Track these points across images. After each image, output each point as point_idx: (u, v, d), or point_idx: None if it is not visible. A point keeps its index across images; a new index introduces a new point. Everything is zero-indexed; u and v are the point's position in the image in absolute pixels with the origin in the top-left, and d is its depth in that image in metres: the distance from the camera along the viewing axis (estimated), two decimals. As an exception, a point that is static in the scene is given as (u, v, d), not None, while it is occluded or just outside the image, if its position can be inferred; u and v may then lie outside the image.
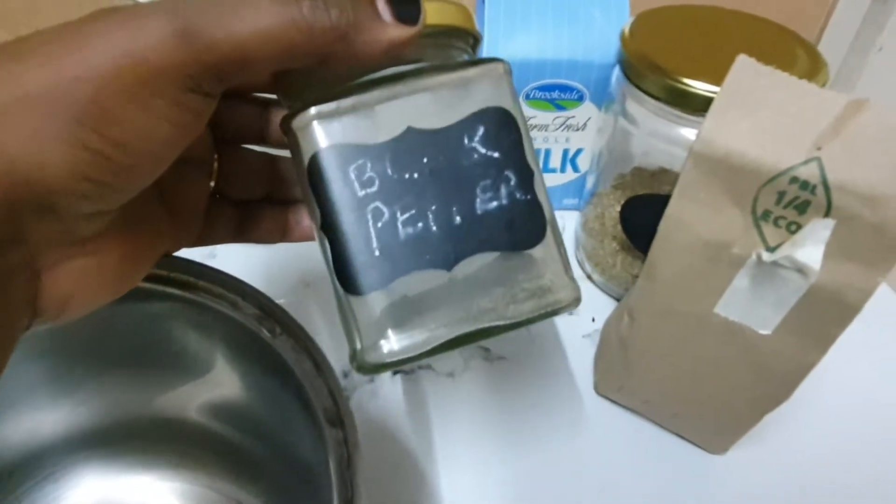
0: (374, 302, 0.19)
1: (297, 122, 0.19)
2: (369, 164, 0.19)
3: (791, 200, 0.25)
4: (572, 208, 0.52)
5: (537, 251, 0.21)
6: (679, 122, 0.35)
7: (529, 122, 0.45)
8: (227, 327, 0.26)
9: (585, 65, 0.42)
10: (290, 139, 0.20)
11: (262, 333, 0.25)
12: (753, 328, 0.29)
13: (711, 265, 0.28)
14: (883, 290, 0.46)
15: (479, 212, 0.20)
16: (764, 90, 0.26)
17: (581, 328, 0.43)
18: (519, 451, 0.37)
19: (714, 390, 0.33)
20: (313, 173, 0.19)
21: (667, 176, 0.40)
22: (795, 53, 0.35)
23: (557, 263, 0.21)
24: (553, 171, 0.49)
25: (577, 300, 0.21)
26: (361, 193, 0.19)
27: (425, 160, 0.19)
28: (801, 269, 0.25)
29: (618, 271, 0.43)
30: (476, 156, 0.20)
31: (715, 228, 0.27)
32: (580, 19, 0.42)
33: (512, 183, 0.20)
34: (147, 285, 0.27)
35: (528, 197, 0.20)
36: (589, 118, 0.45)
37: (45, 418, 0.31)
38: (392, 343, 0.19)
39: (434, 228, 0.19)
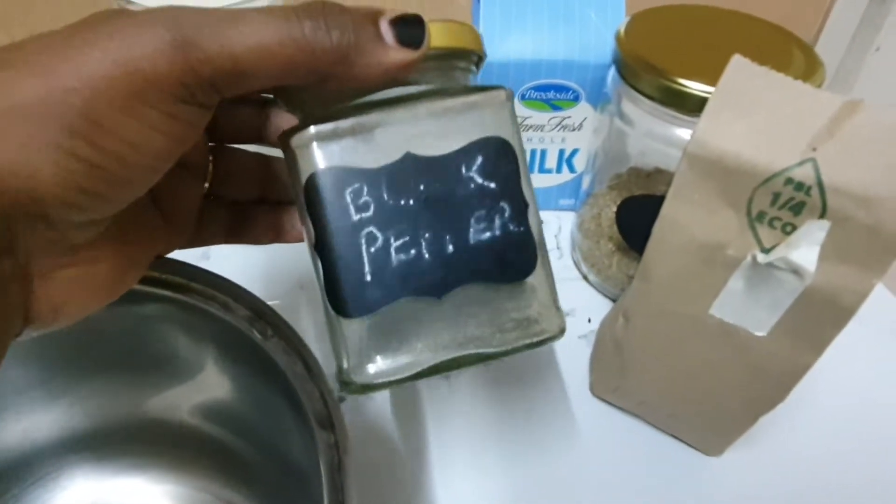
0: (363, 325, 0.19)
1: (295, 141, 0.19)
2: (366, 189, 0.19)
3: (786, 202, 0.25)
4: (568, 209, 0.51)
5: (526, 283, 0.21)
6: (675, 122, 0.35)
7: (525, 123, 0.45)
8: (219, 329, 0.26)
9: (581, 65, 0.42)
10: (287, 155, 0.20)
11: (253, 336, 0.25)
12: (748, 330, 0.28)
13: (706, 266, 0.28)
14: (878, 291, 0.46)
15: (471, 241, 0.20)
16: (759, 91, 0.26)
17: (577, 329, 0.43)
18: (514, 453, 0.37)
19: (709, 392, 0.33)
20: (310, 194, 0.19)
21: (663, 176, 0.40)
22: (792, 53, 0.35)
23: (545, 295, 0.21)
24: (549, 171, 0.49)
25: (561, 331, 0.21)
26: (356, 217, 0.19)
27: (422, 187, 0.19)
28: (796, 271, 0.25)
29: (614, 272, 0.43)
30: (472, 185, 0.20)
31: (710, 230, 0.27)
32: (576, 19, 0.42)
33: (506, 214, 0.20)
34: (139, 287, 0.26)
35: (521, 229, 0.20)
36: (585, 118, 0.45)
37: (37, 421, 0.31)
38: (378, 366, 0.19)
39: (426, 256, 0.19)
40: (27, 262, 0.16)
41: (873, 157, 0.24)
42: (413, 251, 0.19)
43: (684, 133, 0.35)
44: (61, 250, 0.17)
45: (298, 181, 0.19)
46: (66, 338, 0.28)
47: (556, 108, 0.44)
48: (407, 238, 0.19)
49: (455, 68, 0.21)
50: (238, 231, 0.25)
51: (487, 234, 0.20)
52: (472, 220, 0.20)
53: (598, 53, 0.42)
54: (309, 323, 0.41)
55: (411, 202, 0.19)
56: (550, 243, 0.49)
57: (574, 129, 0.46)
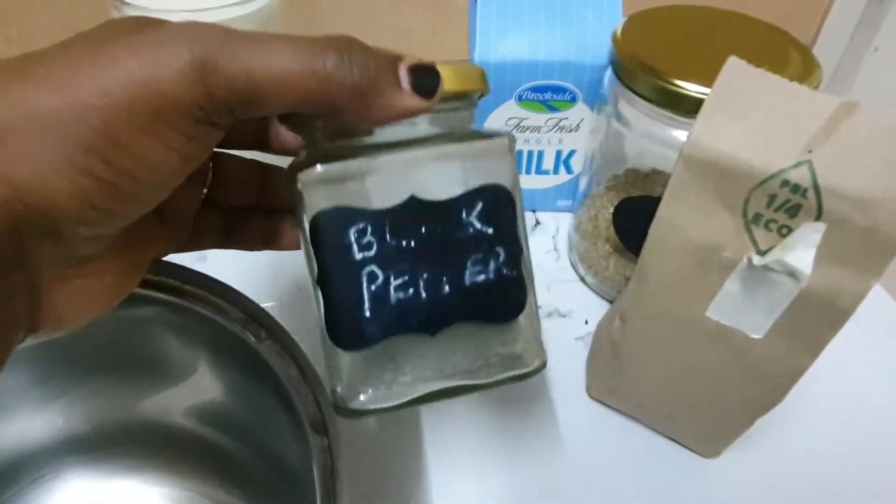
0: (357, 356, 0.20)
1: (303, 177, 0.19)
2: (370, 229, 0.19)
3: (782, 204, 0.25)
4: (565, 210, 0.51)
5: (514, 323, 0.22)
6: (671, 123, 0.35)
7: (522, 124, 0.45)
8: (213, 332, 0.26)
9: (578, 66, 0.42)
10: (293, 188, 0.20)
11: (247, 338, 0.25)
12: (745, 332, 0.28)
13: (702, 268, 0.28)
14: (875, 291, 0.45)
15: (467, 283, 0.21)
16: (755, 92, 0.25)
17: (574, 331, 0.43)
18: (511, 456, 0.36)
19: (706, 394, 0.33)
20: (315, 231, 0.19)
21: (660, 177, 0.40)
22: (789, 54, 0.35)
23: (531, 332, 0.22)
24: (546, 172, 0.49)
25: (543, 365, 0.23)
26: (359, 256, 0.19)
27: (423, 229, 0.20)
28: (792, 273, 0.25)
29: (611, 273, 0.43)
30: (471, 230, 0.21)
31: (706, 232, 0.27)
32: (572, 20, 0.42)
33: (501, 259, 0.21)
34: (135, 289, 0.26)
35: (514, 273, 0.21)
36: (582, 119, 0.45)
37: (32, 423, 0.31)
38: (369, 395, 0.20)
39: (423, 295, 0.20)
40: (36, 274, 0.16)
41: (869, 158, 0.23)
42: (411, 290, 0.20)
43: (681, 134, 0.35)
44: (69, 262, 0.17)
45: (302, 216, 0.20)
46: (60, 340, 0.28)
47: (552, 109, 0.44)
48: (406, 277, 0.20)
49: (460, 108, 0.22)
50: (233, 237, 0.25)
51: (482, 277, 0.21)
52: (469, 263, 0.21)
53: (595, 54, 0.42)
54: (306, 324, 0.41)
55: (412, 244, 0.20)
56: (548, 245, 0.49)
57: (571, 131, 0.46)
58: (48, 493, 0.32)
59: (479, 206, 0.21)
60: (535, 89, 0.43)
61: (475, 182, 0.21)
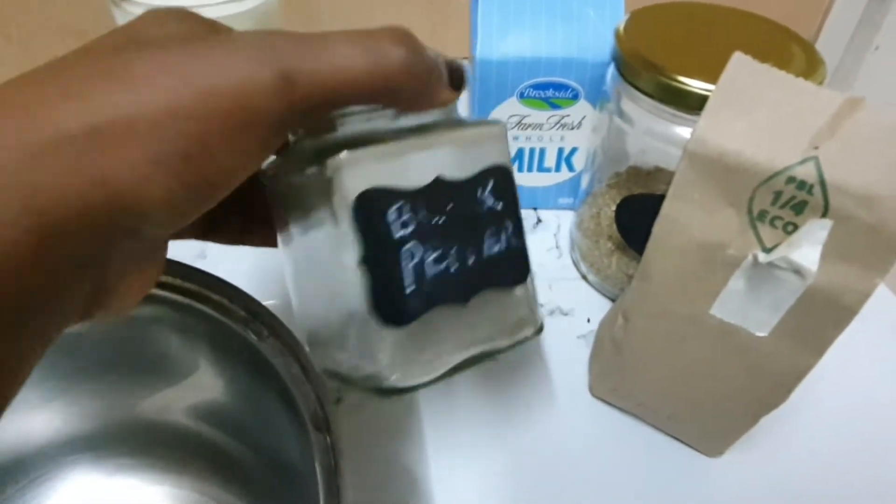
0: (400, 333, 0.21)
1: (343, 159, 0.20)
2: (407, 207, 0.21)
3: (787, 200, 0.25)
4: (567, 207, 0.51)
5: (520, 289, 0.24)
6: (674, 120, 0.35)
7: (524, 121, 0.45)
8: (214, 330, 0.25)
9: (580, 63, 0.42)
10: (321, 173, 0.21)
11: (249, 336, 0.25)
12: (749, 330, 0.28)
13: (706, 266, 0.28)
14: (880, 290, 0.45)
15: (485, 254, 0.23)
16: (760, 88, 0.25)
17: (576, 329, 0.43)
18: (513, 453, 0.36)
19: (709, 393, 0.33)
20: (360, 212, 0.21)
21: (663, 175, 0.40)
22: (792, 51, 0.35)
23: (532, 299, 0.25)
24: (548, 170, 0.49)
25: (541, 329, 0.25)
26: (399, 234, 0.21)
27: (449, 207, 0.22)
28: (797, 271, 0.25)
29: (613, 271, 0.43)
30: (486, 206, 0.23)
31: (710, 229, 0.27)
32: (574, 17, 0.42)
33: (510, 231, 0.23)
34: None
35: (520, 242, 0.24)
36: (584, 117, 0.45)
37: (32, 422, 0.31)
38: (413, 370, 0.22)
39: (453, 268, 0.22)
40: (104, 269, 0.16)
41: (875, 155, 0.23)
42: (444, 264, 0.22)
43: (684, 131, 0.34)
44: (136, 258, 0.17)
45: (337, 202, 0.21)
46: (61, 338, 0.28)
47: (554, 106, 0.44)
48: (439, 252, 0.22)
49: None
50: (214, 229, 0.25)
51: (497, 248, 0.23)
52: (486, 236, 0.23)
53: (597, 51, 0.41)
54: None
55: (441, 220, 0.22)
56: (549, 242, 0.49)
57: (573, 128, 0.46)
58: (48, 492, 0.32)
59: (491, 184, 0.23)
60: (536, 86, 0.43)
61: (485, 163, 0.23)
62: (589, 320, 0.44)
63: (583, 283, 0.46)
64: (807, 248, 0.24)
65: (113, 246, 0.15)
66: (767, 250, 0.26)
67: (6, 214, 0.13)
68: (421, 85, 0.18)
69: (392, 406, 0.38)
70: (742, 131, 0.25)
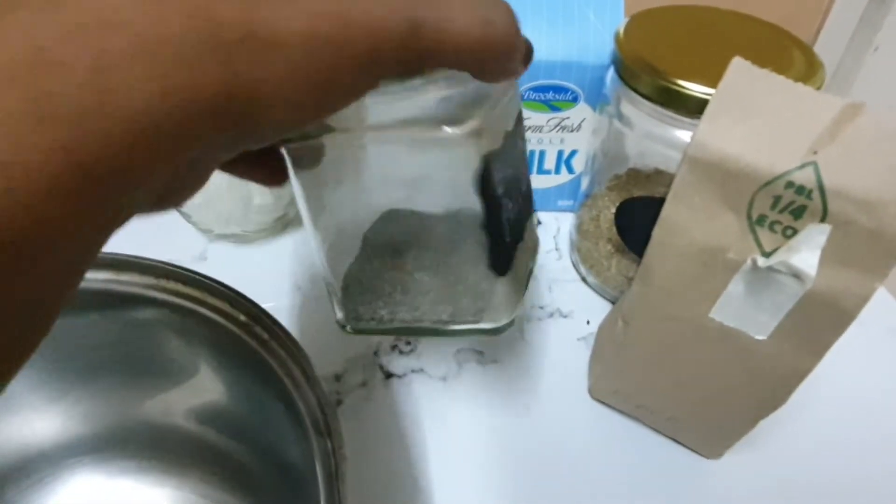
0: (509, 278, 0.26)
1: (468, 128, 0.22)
2: (498, 166, 0.23)
3: (787, 205, 0.25)
4: (567, 210, 0.51)
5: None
6: (674, 123, 0.35)
7: (524, 124, 0.45)
8: (215, 334, 0.26)
9: (580, 66, 0.42)
10: (449, 140, 0.22)
11: (250, 340, 0.25)
12: (749, 334, 0.28)
13: (706, 270, 0.28)
14: (879, 293, 0.45)
15: (523, 191, 0.27)
16: (759, 94, 0.25)
17: (576, 331, 0.43)
18: (512, 456, 0.36)
19: (709, 395, 0.33)
20: (485, 175, 0.23)
21: (662, 177, 0.40)
22: (791, 54, 0.35)
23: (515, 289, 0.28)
24: (548, 172, 0.49)
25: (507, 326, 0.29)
26: (500, 193, 0.23)
27: (509, 168, 0.24)
28: (796, 275, 0.25)
29: (612, 274, 0.43)
30: (521, 150, 0.27)
31: (710, 233, 0.27)
32: (574, 20, 0.42)
33: (530, 187, 0.28)
34: (134, 291, 0.26)
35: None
36: (583, 119, 0.45)
37: (33, 424, 0.31)
38: (518, 304, 0.27)
39: (515, 218, 0.26)
40: (201, 165, 0.16)
41: (875, 160, 0.23)
42: (513, 215, 0.25)
43: (684, 135, 0.34)
44: (218, 158, 0.17)
45: (470, 164, 0.23)
46: (62, 342, 0.28)
47: (554, 108, 0.44)
48: (511, 204, 0.25)
49: None
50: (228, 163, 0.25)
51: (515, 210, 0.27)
52: (524, 175, 0.27)
53: (597, 54, 0.41)
54: (306, 324, 0.41)
55: (508, 177, 0.24)
56: (549, 244, 0.49)
57: (573, 130, 0.46)
58: (50, 495, 0.32)
59: (520, 129, 0.26)
60: (536, 89, 0.43)
61: (513, 116, 0.25)
62: (588, 322, 0.44)
63: (582, 285, 0.46)
64: (805, 253, 0.25)
65: (225, 134, 0.15)
66: (767, 254, 0.26)
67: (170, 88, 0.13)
68: (512, 59, 0.18)
69: (391, 407, 0.38)
70: (742, 136, 0.25)
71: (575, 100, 0.44)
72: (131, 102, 0.12)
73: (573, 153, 0.47)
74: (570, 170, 0.48)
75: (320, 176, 0.25)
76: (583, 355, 0.41)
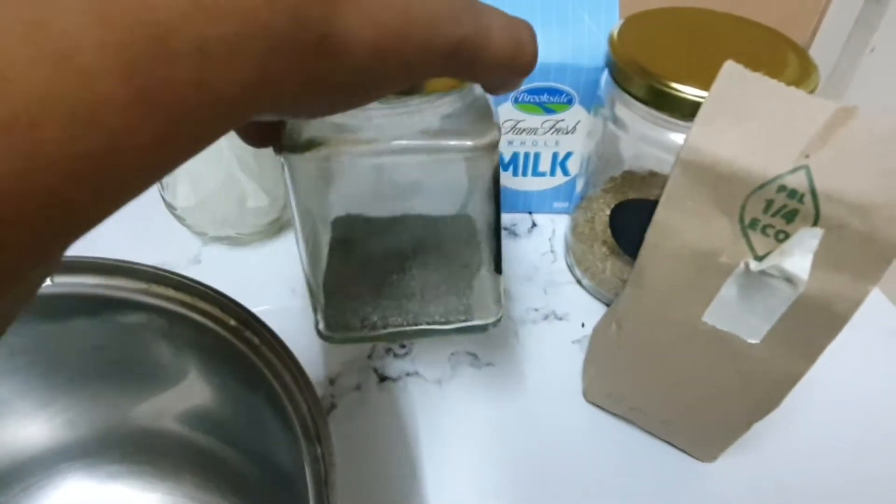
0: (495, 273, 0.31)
1: (488, 140, 0.24)
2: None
3: (779, 209, 0.25)
4: (562, 212, 0.51)
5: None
6: (668, 126, 0.35)
7: (518, 126, 0.45)
8: (205, 338, 0.25)
9: (574, 68, 0.42)
10: (474, 154, 0.26)
11: (240, 345, 0.24)
12: (741, 337, 0.28)
13: (699, 273, 0.28)
14: (874, 295, 0.45)
15: None
16: (752, 97, 0.25)
17: (570, 334, 0.43)
18: (507, 459, 0.36)
19: (702, 398, 0.33)
20: (496, 183, 0.25)
21: (657, 179, 0.40)
22: (786, 57, 0.35)
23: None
24: (542, 174, 0.48)
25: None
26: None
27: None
28: (789, 279, 0.25)
29: (607, 276, 0.43)
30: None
31: (703, 237, 0.27)
32: (569, 22, 0.42)
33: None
34: (124, 295, 0.26)
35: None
36: (578, 121, 0.45)
37: (23, 430, 0.31)
38: (502, 297, 0.33)
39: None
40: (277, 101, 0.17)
41: (867, 164, 0.23)
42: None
43: (677, 137, 0.34)
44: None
45: (485, 173, 0.26)
46: (51, 347, 0.28)
47: (549, 111, 0.44)
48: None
49: None
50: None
51: None
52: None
53: (592, 57, 0.41)
54: (301, 327, 0.41)
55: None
56: (544, 247, 0.49)
57: (567, 133, 0.46)
58: (41, 500, 0.32)
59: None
60: (531, 91, 0.43)
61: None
62: (583, 325, 0.43)
63: (577, 287, 0.46)
64: (798, 257, 0.24)
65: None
66: (759, 258, 0.26)
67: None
68: (526, 76, 0.19)
69: (384, 410, 0.38)
70: (735, 140, 0.25)
71: (570, 102, 0.44)
72: (229, 86, 0.12)
73: (568, 155, 0.47)
74: (566, 172, 0.48)
75: (319, 184, 0.26)
76: (577, 358, 0.41)
